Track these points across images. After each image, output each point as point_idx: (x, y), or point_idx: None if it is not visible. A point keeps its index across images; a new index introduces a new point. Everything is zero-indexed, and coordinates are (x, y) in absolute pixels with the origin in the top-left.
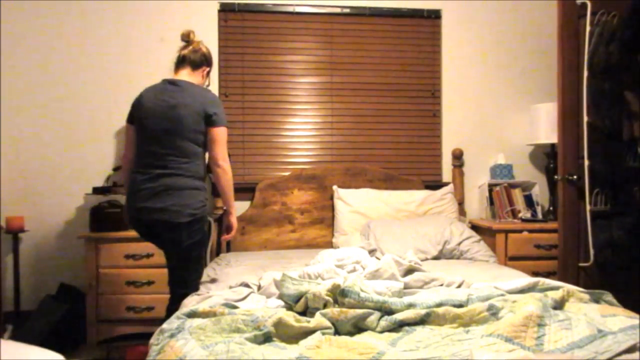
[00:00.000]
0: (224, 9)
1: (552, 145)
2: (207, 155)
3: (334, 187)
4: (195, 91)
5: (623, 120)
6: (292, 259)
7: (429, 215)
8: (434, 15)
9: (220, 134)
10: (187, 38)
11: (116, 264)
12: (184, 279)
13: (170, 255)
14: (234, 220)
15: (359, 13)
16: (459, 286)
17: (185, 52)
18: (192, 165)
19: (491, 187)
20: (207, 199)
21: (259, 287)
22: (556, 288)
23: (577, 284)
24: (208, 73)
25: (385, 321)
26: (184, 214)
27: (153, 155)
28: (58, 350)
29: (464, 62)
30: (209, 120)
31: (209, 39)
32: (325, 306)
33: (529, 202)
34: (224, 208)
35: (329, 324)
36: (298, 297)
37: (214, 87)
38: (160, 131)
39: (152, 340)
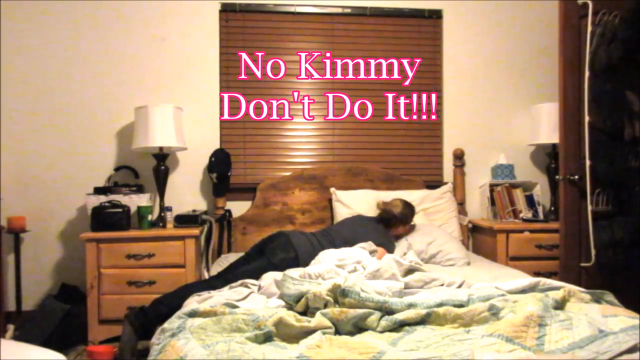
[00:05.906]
0: (225, 9)
1: (554, 145)
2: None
3: (332, 190)
4: (374, 233)
5: (624, 120)
6: None
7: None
8: (435, 16)
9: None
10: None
11: (117, 264)
12: None
13: None
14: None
15: (359, 13)
16: (460, 286)
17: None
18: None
19: (492, 187)
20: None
21: (260, 287)
22: (557, 288)
23: (578, 284)
24: (404, 228)
25: (385, 321)
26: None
27: None
28: (59, 350)
29: (465, 62)
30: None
31: (210, 39)
32: (325, 306)
33: (530, 202)
34: None
35: (329, 323)
36: (299, 297)
37: (215, 87)
38: None
39: (154, 340)
